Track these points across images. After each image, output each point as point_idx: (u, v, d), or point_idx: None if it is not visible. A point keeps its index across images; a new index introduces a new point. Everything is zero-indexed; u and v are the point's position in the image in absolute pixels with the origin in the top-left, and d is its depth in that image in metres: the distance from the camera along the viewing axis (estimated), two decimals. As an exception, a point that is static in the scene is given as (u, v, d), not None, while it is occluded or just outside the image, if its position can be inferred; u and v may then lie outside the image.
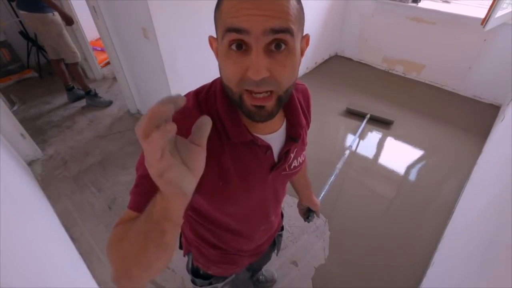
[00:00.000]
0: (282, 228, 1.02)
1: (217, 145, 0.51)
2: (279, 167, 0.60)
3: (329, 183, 1.40)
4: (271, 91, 0.45)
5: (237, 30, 0.40)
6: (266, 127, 0.56)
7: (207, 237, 0.71)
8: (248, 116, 0.47)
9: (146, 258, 0.37)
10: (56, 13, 2.32)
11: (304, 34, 0.49)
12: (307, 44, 0.50)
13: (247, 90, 0.44)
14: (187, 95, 0.53)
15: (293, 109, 0.59)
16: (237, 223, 0.67)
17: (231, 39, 0.41)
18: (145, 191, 0.46)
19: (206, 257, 0.77)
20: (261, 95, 0.44)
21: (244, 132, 0.52)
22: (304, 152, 0.69)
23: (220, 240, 0.72)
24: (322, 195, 1.21)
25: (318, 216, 1.05)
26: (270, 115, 0.47)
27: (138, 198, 0.48)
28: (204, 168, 0.39)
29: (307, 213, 1.02)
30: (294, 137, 0.59)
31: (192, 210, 0.65)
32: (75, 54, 2.57)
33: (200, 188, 0.50)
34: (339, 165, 1.74)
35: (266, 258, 1.13)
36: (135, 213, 0.46)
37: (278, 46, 0.42)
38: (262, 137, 0.55)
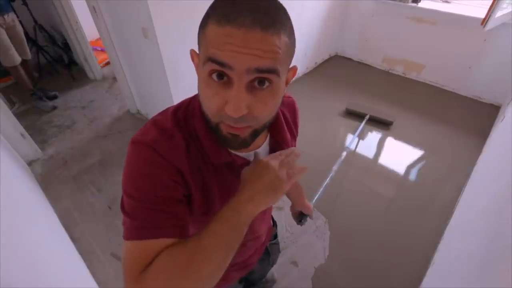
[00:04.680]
0: (275, 237, 0.99)
1: (201, 165, 0.50)
2: None
3: (323, 185, 1.39)
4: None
5: (220, 64, 0.38)
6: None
7: None
8: (223, 142, 0.46)
9: (226, 264, 0.43)
10: None
11: (292, 65, 0.47)
12: (293, 76, 0.48)
13: (224, 122, 0.43)
14: (165, 112, 0.52)
15: (277, 125, 0.58)
16: None
17: (212, 69, 0.39)
18: (175, 215, 0.46)
19: None
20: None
21: (223, 153, 0.51)
22: None
23: None
24: (316, 198, 1.19)
25: (312, 219, 1.05)
26: (244, 143, 0.46)
27: (176, 222, 0.45)
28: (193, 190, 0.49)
29: (300, 217, 1.02)
30: (276, 149, 0.58)
31: None
32: (12, 57, 2.46)
33: (191, 203, 0.51)
34: (335, 167, 1.74)
35: (260, 270, 1.09)
36: (172, 240, 0.43)
37: (261, 83, 0.40)
38: (244, 154, 0.54)
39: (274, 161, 0.49)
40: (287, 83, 0.47)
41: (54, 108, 2.77)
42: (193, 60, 0.49)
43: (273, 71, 0.39)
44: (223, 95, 0.40)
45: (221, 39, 0.37)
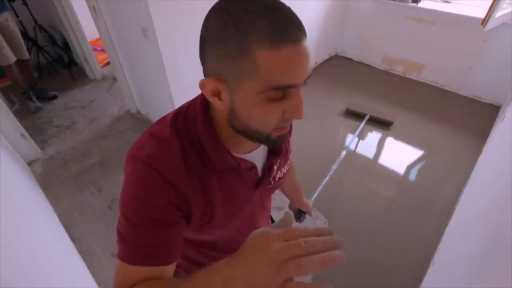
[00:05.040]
0: None
1: (202, 173, 0.49)
2: (264, 182, 0.59)
3: (322, 184, 1.39)
4: None
5: (289, 86, 0.38)
6: (249, 145, 0.54)
7: (195, 258, 0.68)
8: (272, 145, 0.49)
9: None
10: None
11: None
12: None
13: (278, 128, 0.44)
14: (164, 120, 0.51)
15: None
16: (225, 241, 0.65)
17: (275, 95, 0.39)
18: (166, 240, 0.45)
19: None
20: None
21: (228, 159, 0.50)
22: (288, 161, 0.68)
23: (208, 258, 0.68)
24: (314, 196, 1.20)
25: (311, 216, 1.05)
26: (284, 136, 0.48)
27: (166, 249, 0.45)
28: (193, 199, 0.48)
29: (298, 214, 1.03)
30: (276, 151, 0.59)
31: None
32: (5, 57, 2.45)
33: (190, 220, 0.51)
34: (334, 166, 1.73)
35: None
36: (163, 268, 0.45)
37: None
38: (246, 156, 0.54)
39: (279, 249, 0.33)
40: None
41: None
42: (203, 89, 0.43)
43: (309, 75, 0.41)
44: (282, 108, 0.41)
45: (286, 63, 0.36)
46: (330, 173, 1.59)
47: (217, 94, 0.42)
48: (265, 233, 0.35)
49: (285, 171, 0.66)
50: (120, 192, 0.47)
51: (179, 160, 0.46)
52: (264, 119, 0.42)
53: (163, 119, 0.51)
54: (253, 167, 0.56)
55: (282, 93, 0.39)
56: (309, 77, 0.40)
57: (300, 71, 0.37)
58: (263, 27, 0.35)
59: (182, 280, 0.41)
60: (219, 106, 0.44)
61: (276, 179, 0.63)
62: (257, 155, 0.57)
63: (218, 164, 0.49)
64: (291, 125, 0.65)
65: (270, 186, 0.63)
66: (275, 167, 0.61)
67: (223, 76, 0.40)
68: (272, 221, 0.99)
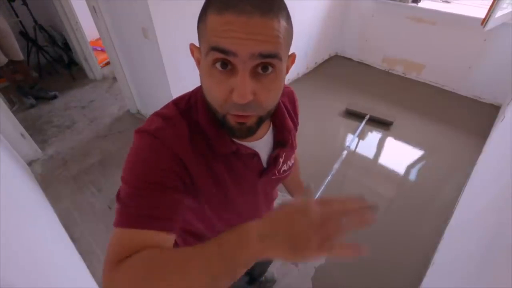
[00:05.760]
0: None
1: (208, 153, 0.51)
2: (269, 173, 0.60)
3: (325, 183, 1.40)
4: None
5: (223, 51, 0.38)
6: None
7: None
8: (231, 132, 0.47)
9: None
10: None
11: (291, 53, 0.48)
12: (292, 63, 0.49)
13: (233, 115, 0.44)
14: (166, 106, 0.53)
15: (279, 114, 0.59)
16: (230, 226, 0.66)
17: (216, 58, 0.40)
18: (169, 204, 0.44)
19: None
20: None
21: (228, 143, 0.51)
22: (293, 155, 0.68)
23: None
24: (318, 195, 1.21)
25: None
26: (251, 131, 0.47)
27: (168, 214, 0.43)
28: (201, 178, 0.49)
29: None
30: (283, 142, 0.59)
31: (185, 224, 0.64)
32: None
33: (198, 195, 0.52)
34: (336, 165, 1.74)
35: (260, 263, 1.12)
36: (164, 234, 0.42)
37: (265, 69, 0.41)
38: (248, 144, 0.55)
39: (318, 211, 0.35)
40: (287, 71, 0.47)
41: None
42: (193, 54, 0.49)
43: (276, 56, 0.40)
44: (228, 83, 0.41)
45: (223, 27, 0.38)
46: (332, 172, 1.59)
47: (197, 60, 0.47)
48: (303, 200, 0.37)
49: (290, 165, 0.67)
50: (124, 163, 0.47)
51: (185, 134, 0.48)
52: (209, 86, 0.43)
53: (166, 105, 0.54)
54: (255, 154, 0.56)
55: (223, 58, 0.39)
56: (271, 57, 0.39)
57: (238, 40, 0.37)
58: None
59: (202, 244, 0.36)
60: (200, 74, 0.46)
61: (281, 171, 0.64)
62: (261, 144, 0.58)
63: (219, 148, 0.51)
64: (295, 118, 0.67)
65: (274, 177, 0.64)
66: (281, 160, 0.62)
67: (198, 43, 0.45)
68: None
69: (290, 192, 0.97)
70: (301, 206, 0.36)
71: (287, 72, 0.47)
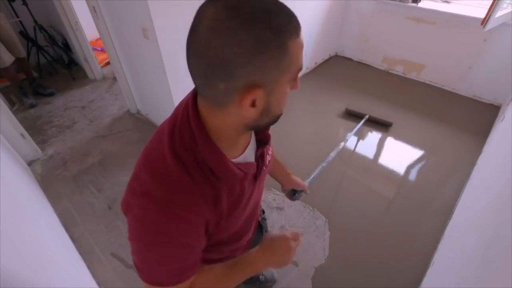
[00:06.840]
0: (263, 212, 1.07)
1: (216, 186, 0.50)
2: (261, 172, 0.62)
3: (319, 168, 1.35)
4: None
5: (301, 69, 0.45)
6: (242, 144, 0.56)
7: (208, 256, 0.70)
8: (273, 123, 0.50)
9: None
10: None
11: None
12: None
13: None
14: (160, 144, 0.49)
15: None
16: (233, 233, 0.68)
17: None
18: (196, 260, 0.54)
19: None
20: None
21: (235, 173, 0.52)
22: (270, 142, 0.69)
23: (218, 252, 0.71)
24: (311, 178, 1.19)
25: (307, 193, 1.05)
26: None
27: (197, 266, 0.55)
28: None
29: (292, 193, 1.03)
30: (264, 140, 0.62)
31: None
32: (2, 60, 2.47)
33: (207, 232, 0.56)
34: (332, 154, 1.71)
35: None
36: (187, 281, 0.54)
37: None
38: (244, 157, 0.57)
39: (294, 243, 0.65)
40: None
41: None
42: (245, 101, 0.41)
43: None
44: None
45: (301, 46, 0.42)
46: (328, 160, 1.55)
47: (253, 103, 0.42)
48: (285, 238, 0.65)
49: (270, 152, 0.70)
50: (133, 236, 0.49)
51: (192, 192, 0.47)
52: (285, 101, 0.47)
53: (160, 142, 0.50)
54: (252, 165, 0.58)
55: None
56: None
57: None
58: (287, 22, 0.39)
59: (224, 271, 0.60)
60: (249, 114, 0.43)
61: (267, 163, 0.66)
62: (251, 148, 0.59)
63: (227, 180, 0.52)
64: None
65: (263, 172, 0.66)
66: (267, 156, 0.66)
67: (260, 83, 0.40)
68: (263, 212, 1.06)
69: (275, 177, 0.99)
70: (283, 238, 0.64)
71: None
